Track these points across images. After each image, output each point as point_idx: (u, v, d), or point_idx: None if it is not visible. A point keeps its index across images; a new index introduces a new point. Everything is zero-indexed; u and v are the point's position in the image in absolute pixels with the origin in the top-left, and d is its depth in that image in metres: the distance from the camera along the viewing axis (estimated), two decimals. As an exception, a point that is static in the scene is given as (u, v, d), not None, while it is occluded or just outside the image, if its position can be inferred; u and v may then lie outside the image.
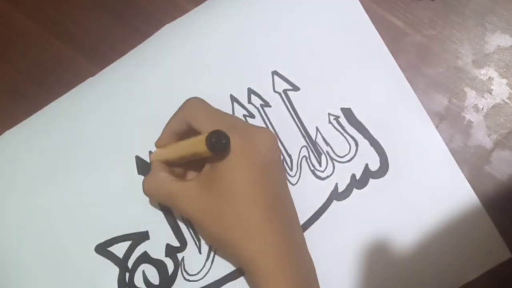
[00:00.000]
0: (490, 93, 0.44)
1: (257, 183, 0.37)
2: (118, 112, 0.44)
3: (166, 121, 0.42)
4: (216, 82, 0.44)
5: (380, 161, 0.43)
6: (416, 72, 0.44)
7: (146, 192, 0.41)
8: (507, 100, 0.44)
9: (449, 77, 0.44)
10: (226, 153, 0.36)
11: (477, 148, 0.43)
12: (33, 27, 0.46)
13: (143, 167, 0.43)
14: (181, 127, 0.40)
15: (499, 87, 0.44)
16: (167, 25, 0.45)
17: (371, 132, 0.43)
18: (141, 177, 0.43)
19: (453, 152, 0.43)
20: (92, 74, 0.45)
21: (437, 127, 0.43)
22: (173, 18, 0.45)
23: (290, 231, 0.38)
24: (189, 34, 0.45)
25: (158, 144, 0.42)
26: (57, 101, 0.45)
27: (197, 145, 0.36)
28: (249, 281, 0.41)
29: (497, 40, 0.44)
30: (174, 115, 0.41)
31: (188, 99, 0.41)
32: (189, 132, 0.40)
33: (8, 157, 0.44)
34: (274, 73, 0.44)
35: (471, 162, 0.43)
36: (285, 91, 0.44)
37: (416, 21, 0.45)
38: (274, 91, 0.44)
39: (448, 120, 0.44)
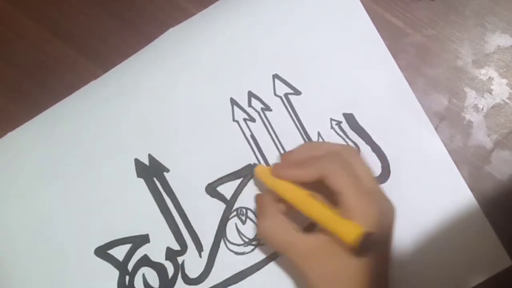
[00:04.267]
0: (490, 93, 0.44)
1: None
2: (119, 115, 0.44)
3: (167, 124, 0.42)
4: (216, 84, 0.44)
5: (382, 166, 0.43)
6: (416, 72, 0.44)
7: (261, 234, 0.39)
8: (507, 100, 0.44)
9: (449, 77, 0.44)
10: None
11: (477, 148, 0.43)
12: (33, 28, 0.45)
13: (142, 170, 0.43)
14: (311, 178, 0.37)
15: (499, 87, 0.44)
16: (170, 29, 0.45)
17: (373, 137, 0.43)
18: (141, 180, 0.43)
19: (453, 152, 0.43)
20: (94, 75, 0.44)
21: (437, 127, 0.43)
22: (177, 20, 0.45)
23: None
24: (192, 38, 0.44)
25: (275, 173, 0.39)
26: (59, 103, 0.44)
27: (340, 228, 0.35)
28: None
29: (497, 40, 0.44)
30: (309, 165, 0.38)
31: (331, 153, 0.38)
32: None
33: (10, 159, 0.44)
34: (275, 76, 0.44)
35: (471, 162, 0.43)
36: (286, 95, 0.43)
37: (416, 21, 0.44)
38: (275, 94, 0.44)
39: (448, 120, 0.43)
